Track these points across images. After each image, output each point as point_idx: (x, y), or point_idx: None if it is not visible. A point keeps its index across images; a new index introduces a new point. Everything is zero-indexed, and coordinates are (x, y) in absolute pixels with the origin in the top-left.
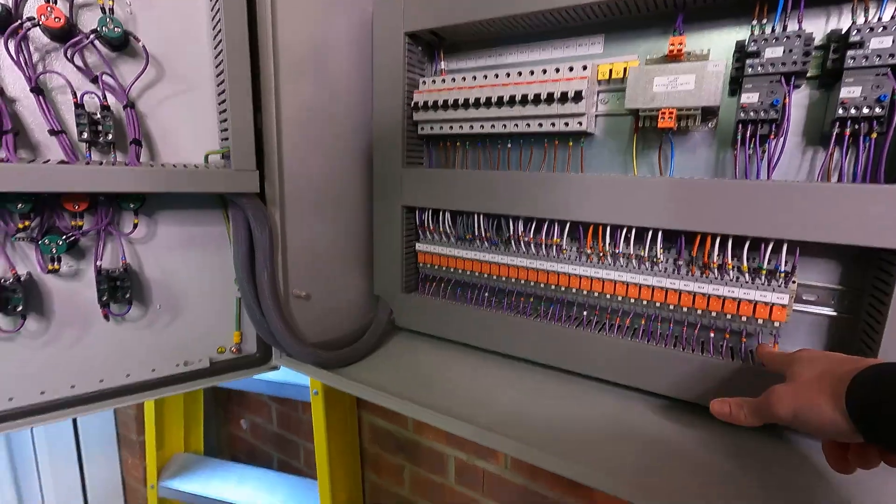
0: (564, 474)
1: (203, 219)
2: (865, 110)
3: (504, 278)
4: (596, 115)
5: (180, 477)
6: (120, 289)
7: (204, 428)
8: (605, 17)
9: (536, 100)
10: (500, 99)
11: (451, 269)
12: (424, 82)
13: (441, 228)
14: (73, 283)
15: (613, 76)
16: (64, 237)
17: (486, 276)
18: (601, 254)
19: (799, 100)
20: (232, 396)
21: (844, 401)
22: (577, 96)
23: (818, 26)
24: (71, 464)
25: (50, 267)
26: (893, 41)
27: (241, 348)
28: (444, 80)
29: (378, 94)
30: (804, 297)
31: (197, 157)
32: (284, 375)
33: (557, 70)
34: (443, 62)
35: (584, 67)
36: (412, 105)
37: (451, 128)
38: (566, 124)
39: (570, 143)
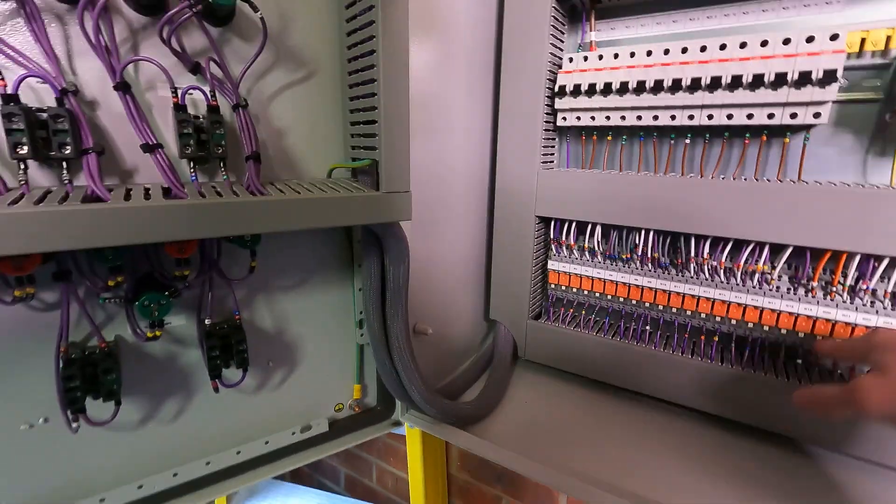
0: None
1: (319, 252)
2: None
3: (667, 308)
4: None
5: None
6: (234, 351)
7: None
8: None
9: (757, 83)
10: (697, 81)
11: (591, 293)
12: (571, 59)
13: (584, 244)
14: (169, 347)
15: (867, 47)
16: (166, 293)
17: (639, 303)
18: (832, 288)
19: None
20: None
21: None
22: (828, 77)
23: None
24: None
25: (150, 334)
26: None
27: (362, 403)
28: (600, 58)
29: (509, 70)
30: None
31: (314, 170)
32: None
33: (787, 42)
34: (592, 32)
35: (835, 37)
36: (555, 90)
37: (608, 118)
38: (793, 116)
39: (787, 139)
